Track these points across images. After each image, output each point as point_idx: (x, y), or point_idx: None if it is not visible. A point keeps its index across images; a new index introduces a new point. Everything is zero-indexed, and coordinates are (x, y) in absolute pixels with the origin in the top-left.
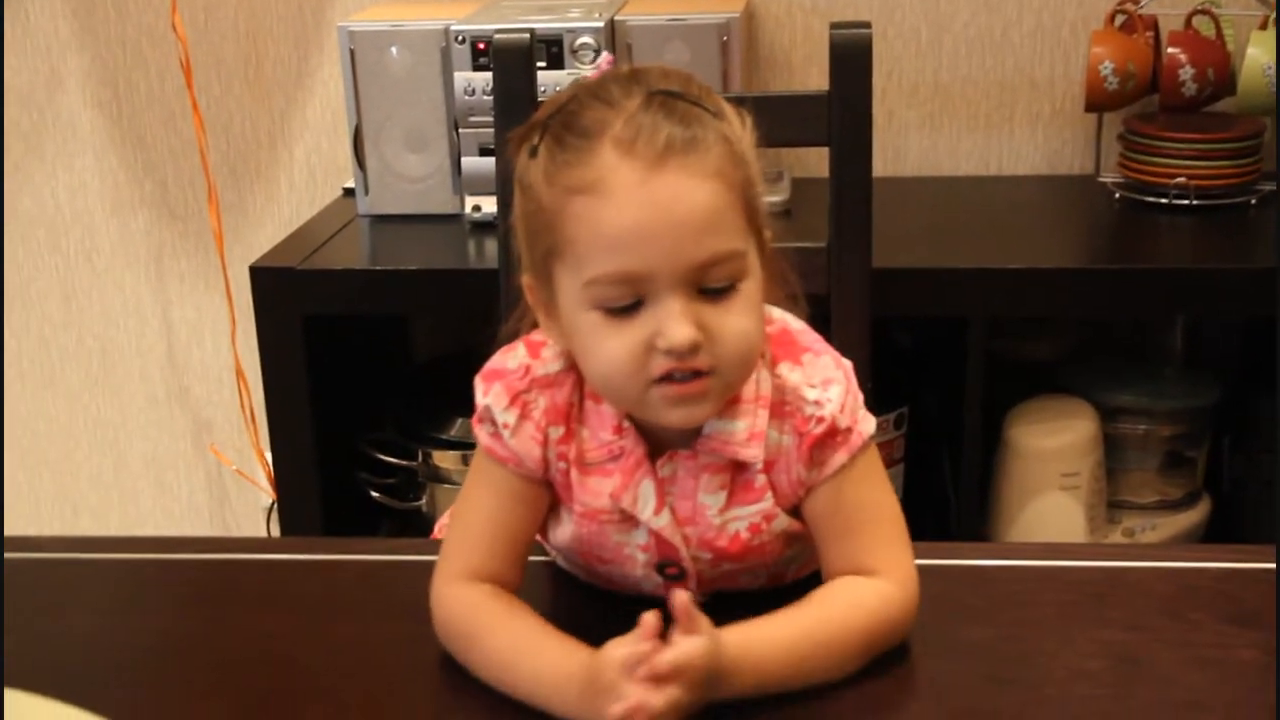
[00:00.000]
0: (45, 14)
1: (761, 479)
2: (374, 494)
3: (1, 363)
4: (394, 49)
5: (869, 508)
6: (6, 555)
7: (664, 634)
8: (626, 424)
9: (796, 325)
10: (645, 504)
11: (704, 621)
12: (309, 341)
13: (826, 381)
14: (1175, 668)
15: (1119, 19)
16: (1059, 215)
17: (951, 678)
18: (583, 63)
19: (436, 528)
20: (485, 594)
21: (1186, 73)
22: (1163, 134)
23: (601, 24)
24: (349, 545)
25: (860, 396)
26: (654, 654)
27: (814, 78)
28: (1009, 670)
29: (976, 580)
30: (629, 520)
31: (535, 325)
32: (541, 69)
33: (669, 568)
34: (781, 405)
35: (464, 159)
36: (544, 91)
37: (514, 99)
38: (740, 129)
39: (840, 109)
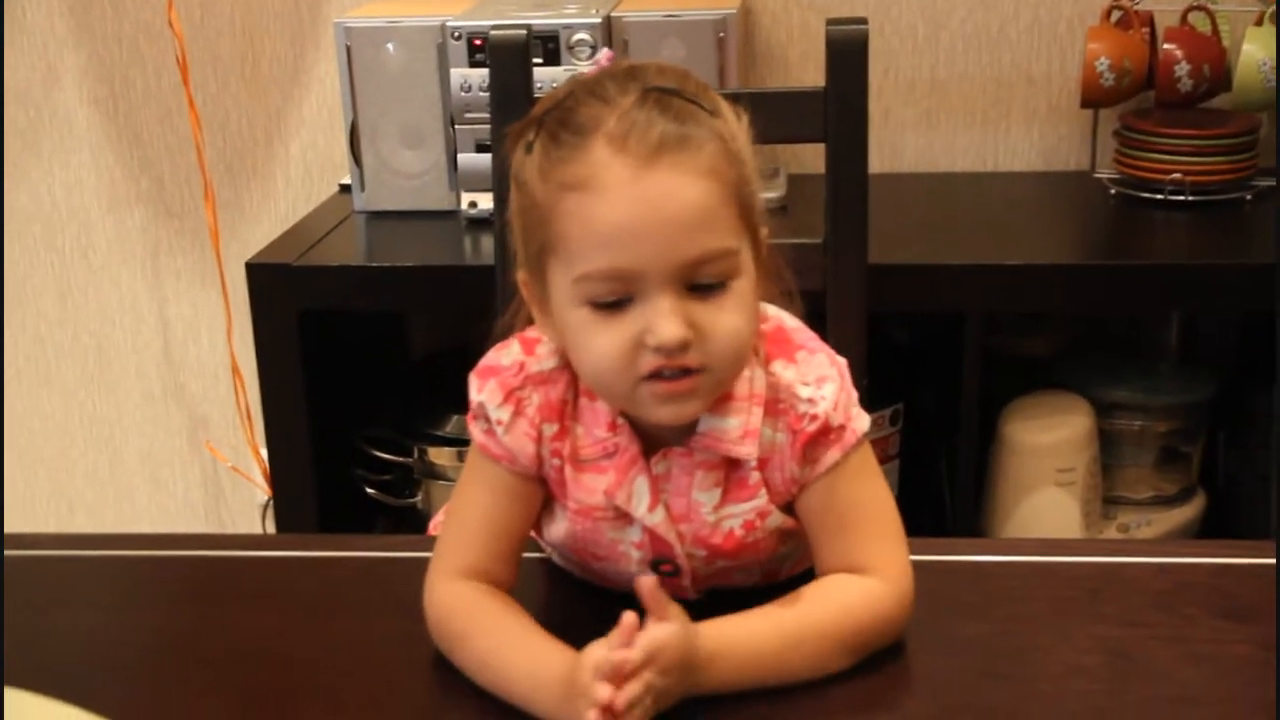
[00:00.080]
0: (42, 11)
1: (755, 476)
2: (370, 490)
3: None
4: (390, 45)
5: (862, 505)
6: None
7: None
8: (621, 421)
9: (792, 323)
10: (639, 501)
11: (675, 609)
12: (305, 338)
13: (820, 379)
14: (1170, 663)
15: (1115, 15)
16: (1055, 211)
17: (947, 673)
18: (579, 59)
19: (432, 524)
20: (477, 592)
21: (1182, 69)
22: (1158, 130)
23: (598, 20)
24: (345, 542)
25: (854, 394)
26: (625, 660)
27: (810, 74)
28: (1004, 666)
29: (972, 576)
30: (623, 517)
31: (531, 321)
32: (538, 65)
33: (663, 565)
34: (775, 403)
35: (460, 155)
36: (540, 88)
37: (510, 95)
38: (736, 126)
39: (837, 105)
